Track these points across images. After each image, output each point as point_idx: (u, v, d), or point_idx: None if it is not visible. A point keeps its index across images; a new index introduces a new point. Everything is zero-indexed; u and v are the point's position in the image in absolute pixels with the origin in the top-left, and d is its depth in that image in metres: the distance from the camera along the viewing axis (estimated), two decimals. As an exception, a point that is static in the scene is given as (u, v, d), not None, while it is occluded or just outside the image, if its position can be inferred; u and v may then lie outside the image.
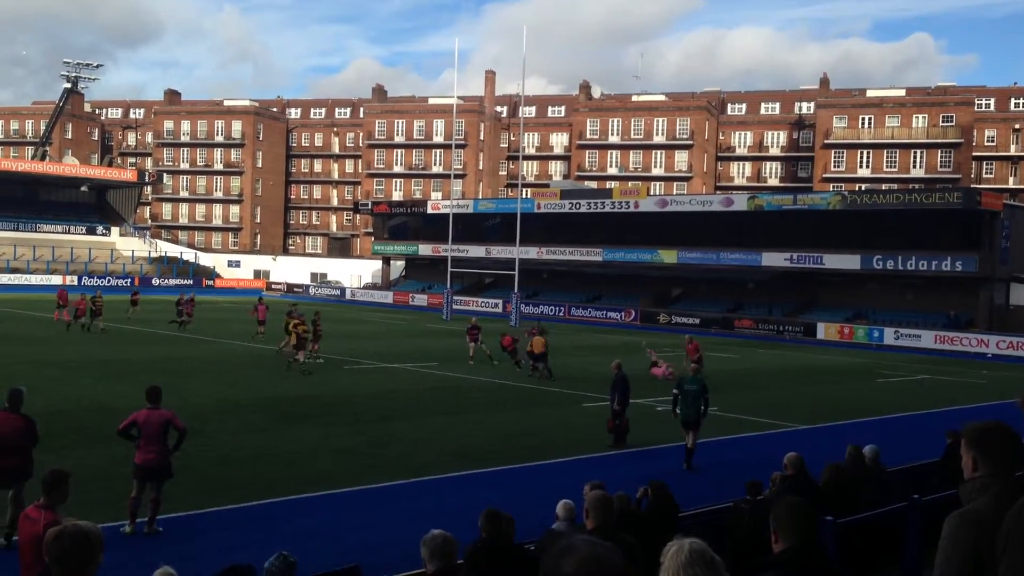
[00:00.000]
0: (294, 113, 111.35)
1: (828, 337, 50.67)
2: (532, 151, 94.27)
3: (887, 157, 79.74)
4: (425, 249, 71.14)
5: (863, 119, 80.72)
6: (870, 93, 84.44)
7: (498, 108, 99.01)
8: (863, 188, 70.95)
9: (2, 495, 10.28)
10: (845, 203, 52.36)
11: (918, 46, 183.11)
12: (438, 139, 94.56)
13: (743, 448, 18.09)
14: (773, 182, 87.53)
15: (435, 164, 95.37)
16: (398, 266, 79.19)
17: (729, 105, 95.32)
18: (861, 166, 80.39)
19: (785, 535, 3.84)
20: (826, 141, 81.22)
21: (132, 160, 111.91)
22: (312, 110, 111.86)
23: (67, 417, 17.62)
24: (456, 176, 72.84)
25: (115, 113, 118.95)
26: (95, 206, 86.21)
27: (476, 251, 66.10)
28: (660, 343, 42.71)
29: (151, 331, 36.64)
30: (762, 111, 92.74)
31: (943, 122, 77.98)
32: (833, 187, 75.08)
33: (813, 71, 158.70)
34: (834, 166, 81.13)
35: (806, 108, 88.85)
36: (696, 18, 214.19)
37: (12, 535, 9.93)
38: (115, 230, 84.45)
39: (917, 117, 79.18)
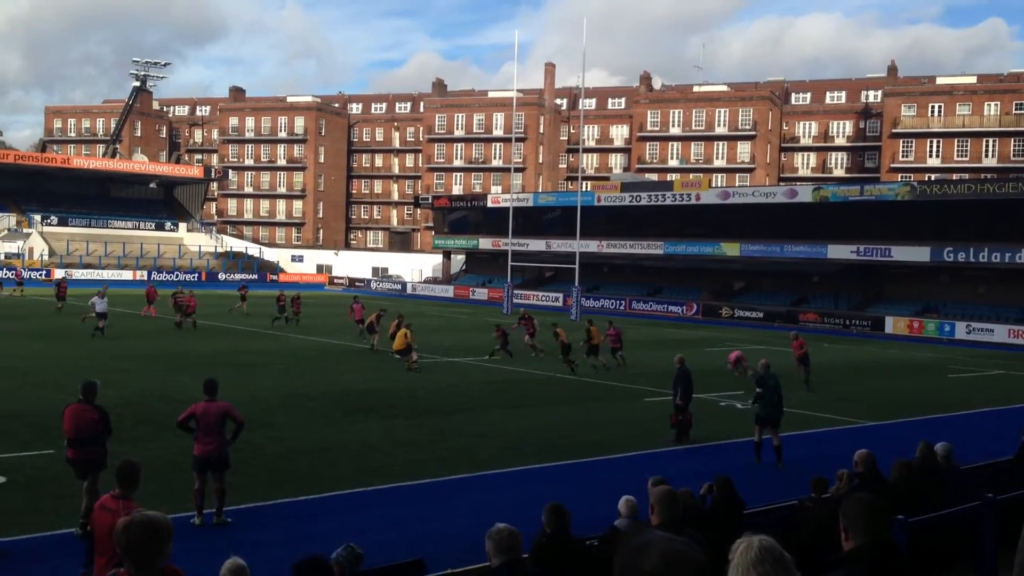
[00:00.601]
0: (355, 108, 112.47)
1: (897, 331, 49.61)
2: (592, 144, 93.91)
3: (958, 146, 77.71)
4: (485, 243, 71.33)
5: (933, 107, 78.75)
6: (940, 80, 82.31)
7: (558, 101, 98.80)
8: (933, 178, 69.19)
9: (77, 485, 10.58)
10: (914, 194, 51.14)
11: (990, 32, 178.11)
12: (498, 133, 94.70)
13: (808, 445, 17.81)
14: (839, 173, 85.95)
15: (495, 158, 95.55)
16: (458, 260, 79.54)
17: (793, 94, 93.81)
18: (931, 155, 78.47)
19: (856, 533, 3.77)
20: (894, 130, 79.44)
21: (198, 157, 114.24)
22: (373, 105, 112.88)
23: (139, 409, 18.06)
24: (516, 170, 72.83)
25: (182, 111, 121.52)
26: (163, 202, 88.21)
27: (536, 245, 66.09)
28: (722, 337, 42.27)
29: (226, 325, 37.36)
30: (827, 100, 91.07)
31: (1016, 110, 75.73)
32: (901, 177, 73.37)
33: (881, 58, 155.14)
34: (902, 156, 79.33)
35: (873, 96, 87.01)
36: (763, 6, 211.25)
37: (87, 524, 10.22)
38: (183, 226, 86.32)
39: (989, 105, 77.03)
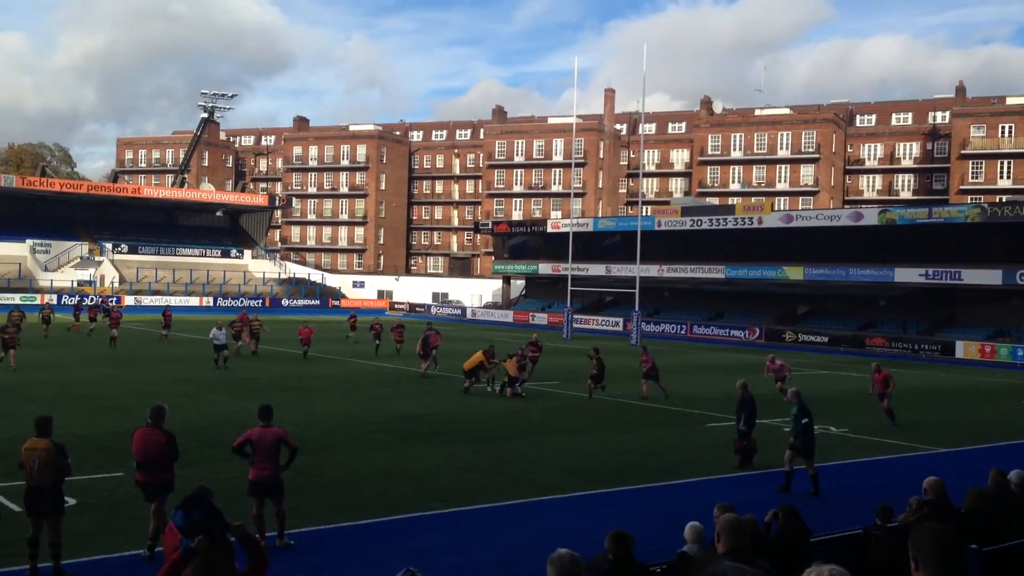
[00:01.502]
0: (416, 136, 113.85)
1: (968, 356, 48.35)
2: (652, 168, 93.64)
3: (1029, 167, 75.75)
4: (545, 268, 71.39)
5: (1003, 128, 76.97)
6: (1010, 100, 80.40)
7: (617, 126, 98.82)
8: (1004, 200, 67.52)
9: (145, 508, 10.77)
10: (985, 215, 49.94)
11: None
12: (557, 158, 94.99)
13: (876, 472, 17.39)
14: (905, 195, 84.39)
15: (554, 183, 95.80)
16: (518, 285, 79.71)
17: (858, 116, 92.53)
18: (1001, 177, 76.61)
19: (927, 564, 3.66)
20: (963, 151, 77.78)
21: (263, 185, 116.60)
22: (433, 132, 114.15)
23: (204, 433, 18.37)
24: (575, 195, 72.94)
25: (248, 140, 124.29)
26: (229, 230, 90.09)
27: (596, 269, 65.95)
28: (788, 362, 41.58)
29: (285, 350, 37.89)
30: (893, 122, 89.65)
31: (1091, 128, 73.66)
32: (971, 199, 71.74)
33: (950, 79, 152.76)
34: (971, 177, 77.58)
35: (940, 118, 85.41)
36: (828, 28, 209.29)
37: (155, 547, 10.40)
38: (247, 253, 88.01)
39: (1061, 124, 75.03)
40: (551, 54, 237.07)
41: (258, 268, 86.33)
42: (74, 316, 46.60)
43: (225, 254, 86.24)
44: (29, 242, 75.38)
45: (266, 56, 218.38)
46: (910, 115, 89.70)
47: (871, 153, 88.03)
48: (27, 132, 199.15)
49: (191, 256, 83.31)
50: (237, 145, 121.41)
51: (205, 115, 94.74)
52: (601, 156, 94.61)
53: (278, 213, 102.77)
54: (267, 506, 11.10)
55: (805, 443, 15.03)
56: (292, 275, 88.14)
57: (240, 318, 38.95)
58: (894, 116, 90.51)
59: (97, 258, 77.59)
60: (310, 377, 28.99)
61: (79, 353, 34.19)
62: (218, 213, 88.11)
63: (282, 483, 11.18)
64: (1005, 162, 76.65)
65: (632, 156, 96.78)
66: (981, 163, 77.46)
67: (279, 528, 11.07)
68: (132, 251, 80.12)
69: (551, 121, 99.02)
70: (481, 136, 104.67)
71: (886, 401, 23.21)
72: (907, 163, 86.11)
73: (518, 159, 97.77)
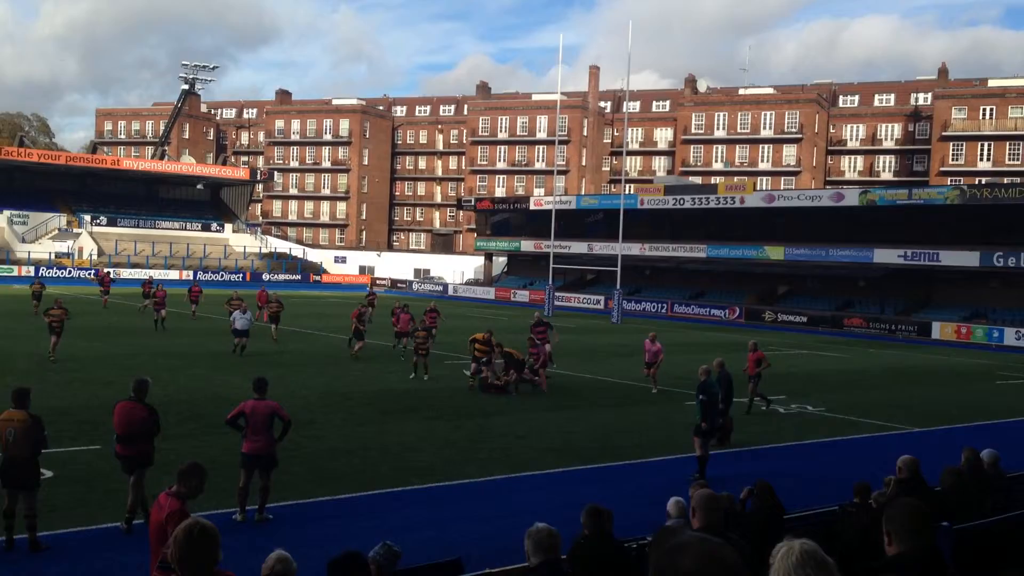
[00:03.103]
0: (400, 111, 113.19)
1: (944, 337, 48.81)
2: (636, 147, 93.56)
3: (1010, 149, 76.21)
4: (527, 245, 71.38)
5: (984, 110, 77.33)
6: (992, 83, 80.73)
7: (602, 104, 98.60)
8: (983, 182, 67.94)
9: (124, 481, 10.75)
10: (964, 197, 50.28)
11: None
12: (541, 135, 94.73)
13: (852, 450, 17.58)
14: (886, 176, 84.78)
15: (538, 160, 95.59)
16: (500, 262, 79.68)
17: (841, 97, 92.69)
18: (981, 159, 77.05)
19: (899, 538, 3.71)
20: (944, 133, 78.13)
21: (245, 159, 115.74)
22: (417, 108, 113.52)
23: (184, 406, 18.32)
24: (559, 172, 72.88)
25: (229, 113, 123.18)
26: (210, 203, 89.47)
27: (578, 247, 66.00)
28: (765, 341, 41.87)
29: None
30: (876, 103, 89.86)
31: (1071, 112, 74.15)
32: (951, 181, 72.13)
33: (937, 61, 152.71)
34: (952, 159, 77.99)
35: (923, 99, 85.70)
36: (817, 8, 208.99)
37: (133, 520, 10.40)
38: (228, 226, 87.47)
39: (1042, 107, 75.48)
40: (539, 30, 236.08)
41: (239, 242, 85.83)
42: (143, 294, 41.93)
43: (206, 228, 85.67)
44: (7, 213, 74.62)
45: (251, 28, 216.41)
46: (892, 96, 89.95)
47: (853, 134, 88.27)
48: (6, 102, 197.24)
49: (171, 229, 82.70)
50: (219, 118, 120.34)
51: (186, 87, 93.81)
52: (585, 134, 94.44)
53: (260, 187, 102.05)
54: (254, 480, 11.13)
55: (711, 423, 14.54)
56: (273, 250, 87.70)
57: (258, 296, 37.16)
58: (877, 97, 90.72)
59: (76, 230, 76.90)
60: (292, 352, 28.93)
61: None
62: (199, 186, 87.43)
63: (275, 456, 11.22)
64: (986, 144, 77.07)
65: (616, 134, 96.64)
66: (962, 145, 77.87)
67: (260, 502, 11.10)
68: (111, 223, 79.42)
69: (535, 98, 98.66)
70: (465, 112, 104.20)
71: (752, 384, 20.90)
72: (889, 144, 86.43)
73: (502, 136, 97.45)
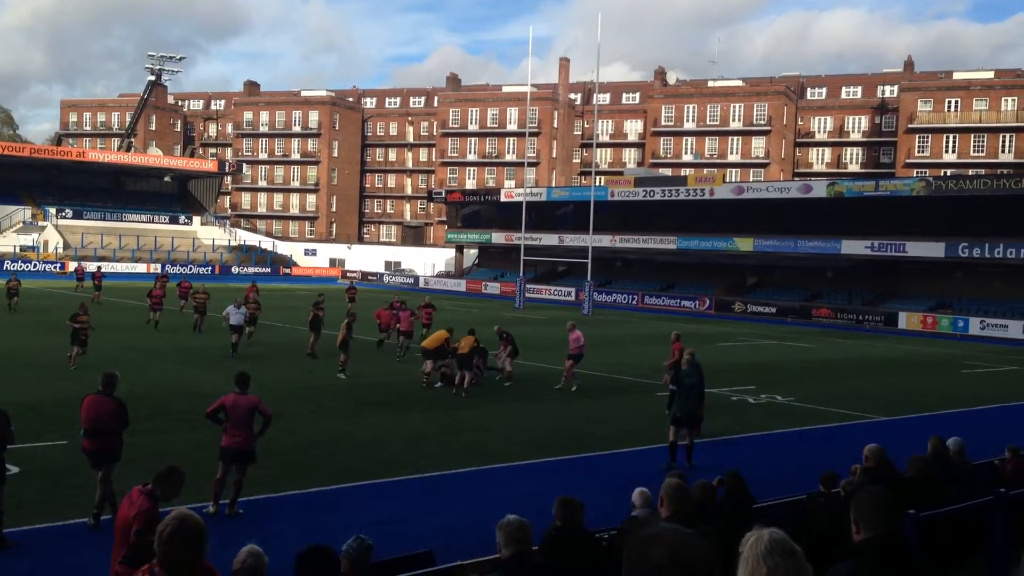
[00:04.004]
0: (369, 103, 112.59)
1: (910, 327, 49.42)
2: (606, 138, 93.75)
3: (974, 141, 77.19)
4: (498, 237, 71.34)
5: (949, 102, 78.25)
6: (957, 75, 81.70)
7: (572, 96, 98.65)
8: (948, 174, 68.85)
9: (91, 476, 10.64)
10: (929, 189, 50.89)
11: (1018, 27, 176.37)
12: (512, 127, 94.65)
13: (820, 440, 17.77)
14: (854, 168, 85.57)
15: (508, 152, 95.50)
16: (471, 254, 79.59)
17: (809, 90, 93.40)
18: (947, 151, 77.97)
19: (866, 525, 3.76)
20: (910, 125, 78.98)
21: (213, 151, 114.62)
22: (387, 99, 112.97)
23: (152, 401, 18.16)
24: (529, 164, 72.87)
25: (197, 105, 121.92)
26: (177, 196, 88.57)
27: (549, 239, 66.06)
28: (735, 332, 42.22)
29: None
30: (843, 95, 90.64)
31: (1034, 105, 75.17)
32: (917, 173, 72.97)
33: (905, 54, 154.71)
34: (918, 151, 78.87)
35: (889, 92, 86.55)
36: (789, 0, 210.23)
37: (100, 516, 10.29)
38: (196, 219, 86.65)
39: (1006, 100, 76.49)
40: (510, 22, 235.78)
41: (207, 235, 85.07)
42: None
43: (173, 220, 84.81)
44: (-31, 206, 73.45)
45: (221, 18, 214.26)
46: (860, 89, 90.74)
47: (821, 126, 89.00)
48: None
49: (138, 222, 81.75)
50: (186, 109, 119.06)
51: (152, 78, 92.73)
52: (555, 126, 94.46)
53: (228, 179, 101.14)
54: (230, 474, 11.12)
55: (680, 411, 14.84)
56: (242, 242, 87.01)
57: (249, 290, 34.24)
58: (844, 90, 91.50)
59: (40, 223, 75.81)
60: (261, 344, 28.73)
61: (24, 321, 33.51)
62: (166, 178, 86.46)
63: (254, 452, 11.20)
64: (951, 136, 77.99)
65: (586, 126, 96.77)
66: (927, 137, 78.75)
67: (233, 496, 11.06)
68: (77, 216, 78.38)
69: (505, 90, 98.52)
70: (435, 104, 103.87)
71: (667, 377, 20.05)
72: (856, 136, 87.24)
73: (472, 127, 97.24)
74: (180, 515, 4.37)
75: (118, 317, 36.11)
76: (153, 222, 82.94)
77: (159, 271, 64.87)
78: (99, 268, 48.76)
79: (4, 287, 37.70)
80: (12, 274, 41.99)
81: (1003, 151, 76.08)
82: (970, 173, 67.54)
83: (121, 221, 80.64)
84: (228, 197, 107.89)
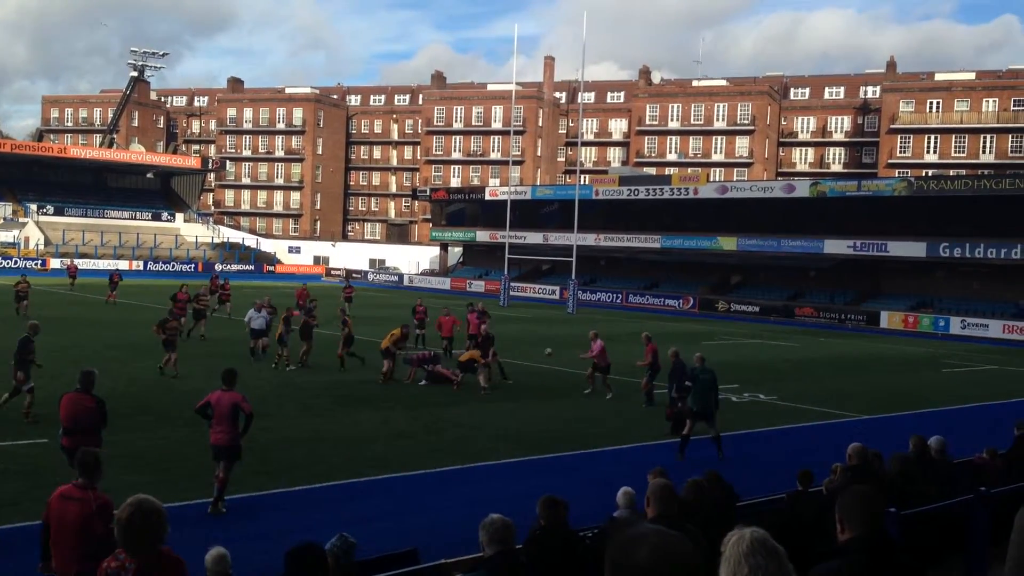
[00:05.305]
0: (354, 100, 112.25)
1: (892, 326, 49.73)
2: (590, 137, 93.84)
3: (955, 142, 77.72)
4: (483, 236, 71.32)
5: (931, 103, 78.75)
6: (938, 76, 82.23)
7: (557, 94, 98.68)
8: (930, 174, 69.28)
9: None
10: (911, 189, 51.22)
11: (1003, 29, 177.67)
12: (496, 125, 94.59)
13: (802, 438, 17.85)
14: (836, 168, 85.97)
15: (493, 151, 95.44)
16: (456, 252, 79.53)
17: (792, 90, 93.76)
18: (928, 151, 78.48)
19: (852, 524, 3.78)
20: (892, 126, 79.43)
21: (196, 147, 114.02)
22: (372, 97, 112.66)
23: (134, 398, 18.05)
24: (514, 162, 72.91)
25: (180, 101, 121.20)
26: (160, 192, 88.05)
27: (533, 238, 66.08)
28: (719, 331, 42.34)
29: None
30: (826, 96, 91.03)
31: (1015, 106, 75.74)
32: (899, 173, 73.42)
33: (892, 54, 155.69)
34: (900, 152, 79.34)
35: (872, 92, 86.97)
36: (777, 1, 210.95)
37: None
38: (179, 216, 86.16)
39: (987, 101, 77.02)
40: (498, 20, 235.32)
41: (190, 232, 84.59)
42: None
43: (156, 217, 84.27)
44: (-51, 202, 72.76)
45: (207, 14, 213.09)
46: (842, 89, 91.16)
47: (804, 126, 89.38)
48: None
49: (120, 219, 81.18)
50: (169, 106, 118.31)
51: (135, 74, 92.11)
52: (540, 124, 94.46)
53: (211, 176, 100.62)
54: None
55: (697, 406, 15.59)
56: (226, 239, 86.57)
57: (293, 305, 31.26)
58: (827, 90, 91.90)
59: (21, 219, 75.20)
60: (244, 343, 28.55)
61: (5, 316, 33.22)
62: (148, 175, 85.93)
63: (238, 449, 11.20)
64: (932, 137, 78.48)
65: (571, 125, 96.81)
66: (909, 138, 79.22)
67: (218, 492, 11.05)
68: (58, 213, 77.75)
69: (490, 88, 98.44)
70: (420, 102, 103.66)
71: (646, 380, 20.36)
72: (838, 136, 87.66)
73: (457, 126, 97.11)
74: (137, 500, 4.40)
75: (101, 314, 35.88)
76: (135, 219, 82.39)
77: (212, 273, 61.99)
78: (117, 270, 46.78)
79: (12, 289, 35.95)
80: (22, 276, 37.50)
81: (984, 152, 76.63)
82: (951, 174, 67.97)
83: (103, 218, 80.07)
84: (211, 194, 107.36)
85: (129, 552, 4.34)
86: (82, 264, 66.88)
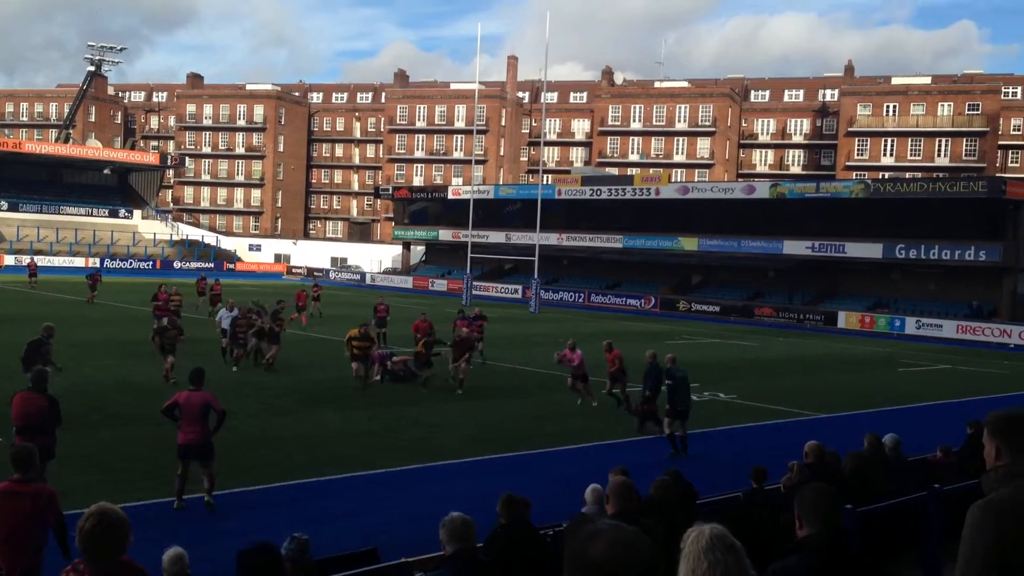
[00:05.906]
0: (316, 98, 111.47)
1: (849, 326, 50.40)
2: (553, 137, 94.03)
3: (911, 145, 78.98)
4: (445, 234, 71.20)
5: (888, 107, 79.94)
6: (895, 80, 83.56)
7: (520, 94, 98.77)
8: (887, 176, 70.33)
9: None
10: (868, 191, 51.97)
11: (961, 34, 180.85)
12: (459, 125, 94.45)
13: (761, 436, 18.04)
14: (796, 170, 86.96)
15: (456, 150, 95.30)
16: (418, 251, 79.31)
17: (752, 92, 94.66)
18: (885, 154, 79.67)
19: (810, 521, 3.84)
20: (850, 129, 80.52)
21: (154, 143, 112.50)
22: (334, 95, 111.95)
23: (89, 397, 17.79)
24: (477, 162, 72.82)
25: (138, 96, 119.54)
26: (117, 189, 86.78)
27: (496, 237, 66.09)
28: (680, 331, 42.65)
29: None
30: (786, 98, 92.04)
31: (969, 110, 77.13)
32: (856, 175, 74.48)
33: (849, 58, 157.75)
34: (857, 154, 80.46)
35: (830, 96, 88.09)
36: (738, 4, 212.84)
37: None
38: (137, 213, 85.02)
39: (943, 105, 78.34)
40: (463, 18, 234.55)
41: (148, 229, 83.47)
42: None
43: (113, 214, 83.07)
44: (-101, 197, 71.13)
45: (167, 8, 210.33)
46: (802, 92, 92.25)
47: (764, 128, 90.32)
48: None
49: (76, 215, 79.92)
50: (127, 101, 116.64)
51: (92, 68, 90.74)
52: (503, 124, 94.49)
53: (170, 173, 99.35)
54: (195, 469, 11.20)
55: (678, 404, 15.85)
56: (185, 237, 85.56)
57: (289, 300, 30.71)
58: (787, 93, 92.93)
59: (-26, 215, 73.82)
60: (206, 341, 28.26)
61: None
62: (105, 171, 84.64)
63: (211, 447, 11.26)
64: (889, 140, 79.68)
65: (534, 124, 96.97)
66: (866, 141, 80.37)
67: (207, 488, 11.22)
68: (12, 209, 76.40)
69: (454, 87, 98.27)
70: (383, 100, 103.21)
71: (619, 383, 19.58)
72: (798, 139, 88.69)
73: (420, 124, 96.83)
74: (100, 509, 4.34)
75: (55, 311, 35.26)
76: (92, 215, 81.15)
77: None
78: (97, 271, 45.57)
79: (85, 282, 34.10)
80: (96, 270, 36.38)
81: (939, 155, 77.96)
82: (907, 176, 69.06)
83: (58, 214, 78.79)
84: (170, 191, 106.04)
85: (89, 562, 4.27)
86: (39, 261, 65.83)
